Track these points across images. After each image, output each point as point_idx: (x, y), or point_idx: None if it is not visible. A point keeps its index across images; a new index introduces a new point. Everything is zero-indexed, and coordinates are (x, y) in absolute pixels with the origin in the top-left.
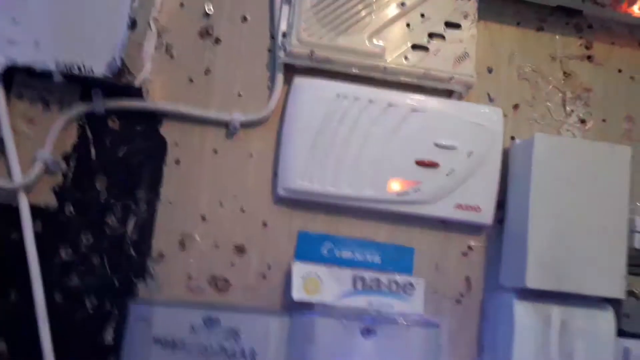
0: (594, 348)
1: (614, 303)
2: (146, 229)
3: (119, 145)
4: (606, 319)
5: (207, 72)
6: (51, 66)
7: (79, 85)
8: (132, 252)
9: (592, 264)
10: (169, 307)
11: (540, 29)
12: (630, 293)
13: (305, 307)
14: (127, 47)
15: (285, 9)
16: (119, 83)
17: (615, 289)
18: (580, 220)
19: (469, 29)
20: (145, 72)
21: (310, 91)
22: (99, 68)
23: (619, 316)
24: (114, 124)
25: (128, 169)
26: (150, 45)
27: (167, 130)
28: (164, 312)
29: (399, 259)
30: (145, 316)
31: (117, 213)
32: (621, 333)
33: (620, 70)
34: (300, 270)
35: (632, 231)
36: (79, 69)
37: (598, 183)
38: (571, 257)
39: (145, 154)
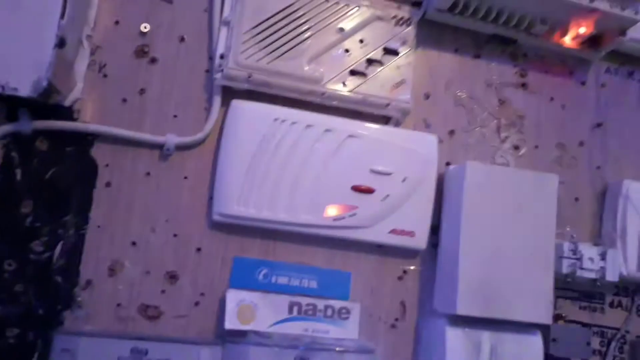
0: None
1: (542, 327)
2: (74, 255)
3: (46, 167)
4: (534, 344)
5: (142, 92)
6: None
7: (4, 104)
8: (59, 280)
9: (521, 291)
10: (95, 337)
11: (477, 56)
12: (558, 316)
13: (239, 335)
14: (55, 66)
15: (224, 30)
16: (47, 102)
17: (543, 315)
18: (510, 247)
19: (407, 56)
20: (77, 92)
21: (248, 114)
22: (23, 88)
23: (547, 341)
24: (42, 144)
25: (56, 192)
26: (82, 63)
27: (99, 151)
28: (90, 343)
29: (335, 284)
30: (71, 348)
31: (44, 238)
32: (548, 357)
33: (552, 99)
34: (234, 297)
35: (560, 257)
36: (2, 88)
37: (527, 210)
38: (500, 284)
39: (74, 177)
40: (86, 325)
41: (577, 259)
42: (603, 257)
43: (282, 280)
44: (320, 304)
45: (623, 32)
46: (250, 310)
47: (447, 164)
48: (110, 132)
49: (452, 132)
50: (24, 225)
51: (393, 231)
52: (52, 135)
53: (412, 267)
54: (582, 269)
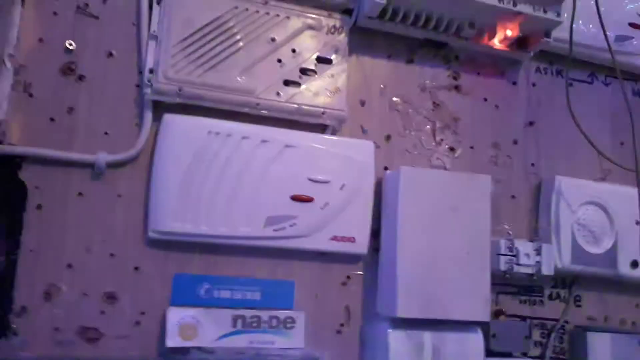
0: None
1: (483, 325)
2: (6, 281)
3: None
4: (475, 341)
5: (70, 110)
6: None
7: None
8: None
9: (458, 290)
10: None
11: (410, 61)
12: (499, 312)
13: (182, 352)
14: None
15: (152, 44)
16: None
17: (480, 312)
18: (446, 248)
19: (340, 64)
20: (1, 113)
21: (181, 129)
22: None
23: (487, 337)
24: None
25: None
26: (5, 84)
27: (27, 174)
28: None
29: (279, 294)
30: None
31: None
32: (490, 353)
33: (485, 99)
34: (175, 315)
35: (497, 254)
36: None
37: (462, 211)
38: (438, 285)
39: (2, 201)
40: (23, 353)
41: (513, 255)
42: (538, 252)
43: (225, 294)
44: (265, 315)
45: (547, 34)
46: (192, 326)
47: (385, 168)
48: (38, 153)
49: (388, 137)
50: None
51: (334, 238)
52: None
53: (355, 273)
54: (518, 264)
